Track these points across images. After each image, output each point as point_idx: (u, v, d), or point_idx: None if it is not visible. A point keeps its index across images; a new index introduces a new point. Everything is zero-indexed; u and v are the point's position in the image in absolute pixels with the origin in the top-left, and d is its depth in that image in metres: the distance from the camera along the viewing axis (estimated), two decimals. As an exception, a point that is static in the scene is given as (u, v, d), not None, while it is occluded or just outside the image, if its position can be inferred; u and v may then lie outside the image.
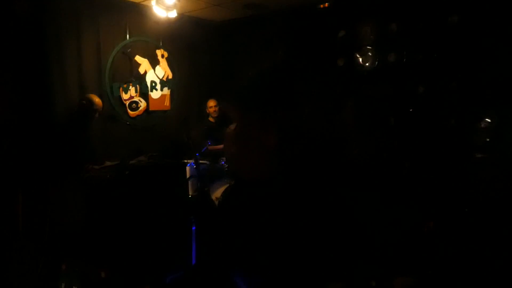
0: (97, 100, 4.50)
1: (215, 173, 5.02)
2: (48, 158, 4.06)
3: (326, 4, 5.50)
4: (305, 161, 3.95)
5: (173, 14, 4.90)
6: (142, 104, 5.50)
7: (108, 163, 4.36)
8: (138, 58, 5.43)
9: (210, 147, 5.17)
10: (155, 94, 5.66)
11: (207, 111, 5.76)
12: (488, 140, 4.35)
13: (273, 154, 3.09)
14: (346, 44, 5.37)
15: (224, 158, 5.08)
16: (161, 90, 5.74)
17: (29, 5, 4.24)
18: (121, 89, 5.23)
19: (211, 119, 5.75)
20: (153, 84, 5.62)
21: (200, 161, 4.42)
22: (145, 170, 4.35)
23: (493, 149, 4.28)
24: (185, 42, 6.02)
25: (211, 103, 5.70)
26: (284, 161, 3.19)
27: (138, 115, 5.48)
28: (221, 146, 5.27)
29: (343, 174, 4.35)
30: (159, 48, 5.70)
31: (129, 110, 5.36)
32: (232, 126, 3.39)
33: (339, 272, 3.62)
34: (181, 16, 5.32)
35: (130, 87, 5.33)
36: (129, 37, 5.33)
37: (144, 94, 5.53)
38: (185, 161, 4.77)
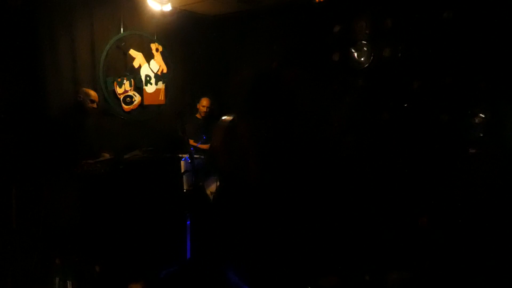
0: (93, 93, 4.48)
1: (210, 167, 5.02)
2: (42, 153, 4.04)
3: (322, -1, 5.49)
4: (299, 156, 3.95)
5: (167, 7, 4.87)
6: (137, 98, 5.48)
7: (106, 155, 4.36)
8: (132, 52, 5.40)
9: (201, 145, 5.22)
10: (149, 88, 5.64)
11: (197, 107, 5.73)
12: (481, 135, 4.37)
13: (265, 150, 3.10)
14: (341, 39, 5.37)
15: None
16: (156, 84, 5.72)
17: (22, -2, 4.21)
18: (115, 83, 5.21)
19: (198, 115, 5.73)
20: (148, 78, 5.60)
21: (195, 156, 4.41)
22: (140, 165, 4.35)
23: (486, 144, 4.30)
24: (179, 36, 5.99)
25: (204, 102, 5.66)
26: (277, 157, 3.20)
27: (132, 109, 5.45)
28: (206, 146, 5.32)
29: (337, 169, 4.37)
30: (153, 42, 5.67)
31: (123, 104, 5.33)
32: (228, 118, 3.37)
33: (332, 267, 3.64)
34: (175, 10, 5.29)
35: (125, 81, 5.31)
36: (123, 30, 5.30)
37: (139, 88, 5.51)
38: (180, 155, 4.76)
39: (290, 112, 3.20)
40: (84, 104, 4.42)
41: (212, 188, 4.76)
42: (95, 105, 4.49)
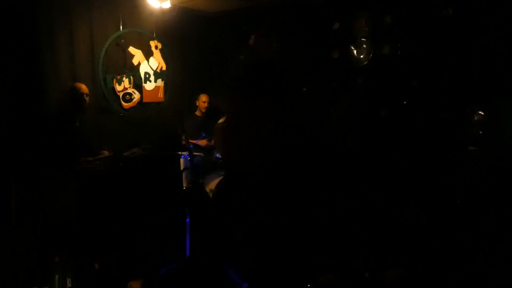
0: (83, 87, 4.44)
1: (209, 165, 5.02)
2: (41, 150, 4.03)
3: (321, -4, 5.48)
4: (298, 153, 3.96)
5: (167, 5, 4.86)
6: (136, 95, 5.47)
7: (106, 153, 4.35)
8: (131, 49, 5.39)
9: (201, 142, 5.21)
10: (149, 86, 5.63)
11: (197, 104, 5.73)
12: (481, 132, 4.37)
13: (266, 143, 3.11)
14: (341, 37, 5.36)
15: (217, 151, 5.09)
16: (155, 81, 5.71)
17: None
18: (114, 80, 5.20)
19: (198, 113, 5.73)
20: (147, 76, 5.59)
21: (194, 153, 4.41)
22: (139, 162, 4.34)
23: (485, 142, 4.30)
24: (179, 33, 5.97)
25: (204, 97, 5.68)
26: (277, 152, 3.20)
27: (132, 107, 5.44)
28: (205, 141, 5.32)
29: (337, 166, 4.36)
30: (153, 39, 5.66)
31: (122, 102, 5.33)
32: (221, 120, 3.40)
33: (332, 264, 3.65)
34: (175, 7, 5.28)
35: (124, 78, 5.30)
36: (122, 28, 5.28)
37: (138, 85, 5.50)
38: (179, 153, 4.76)
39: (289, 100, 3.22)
40: (77, 100, 4.39)
41: (211, 185, 4.76)
42: (86, 98, 4.45)
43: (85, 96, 4.41)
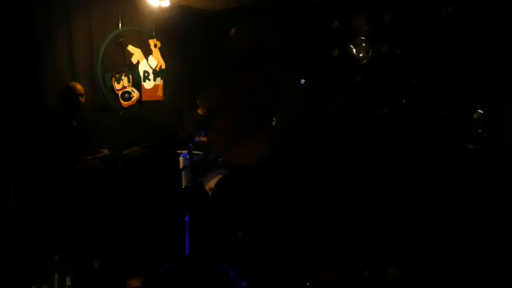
0: (79, 86, 4.44)
1: (208, 163, 5.01)
2: (40, 149, 4.03)
3: (321, -6, 5.47)
4: (297, 152, 3.96)
5: (166, 3, 4.86)
6: (135, 94, 5.46)
7: (105, 151, 4.35)
8: (130, 48, 5.38)
9: (202, 138, 5.18)
10: (148, 84, 5.62)
11: (198, 103, 5.72)
12: (480, 131, 4.37)
13: (265, 139, 3.11)
14: (340, 35, 5.36)
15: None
16: (154, 80, 5.70)
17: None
18: (113, 79, 5.19)
19: (200, 111, 5.72)
20: (146, 74, 5.58)
21: (194, 152, 4.41)
22: (138, 161, 4.34)
23: (485, 140, 4.31)
24: (178, 32, 5.97)
25: None
26: (275, 149, 3.21)
27: (131, 105, 5.44)
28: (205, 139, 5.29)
29: (336, 164, 4.36)
30: (152, 38, 5.65)
31: (121, 101, 5.32)
32: (219, 119, 3.40)
33: (332, 262, 3.65)
34: (174, 6, 5.28)
35: (123, 77, 5.29)
36: (121, 26, 5.27)
37: (137, 84, 5.49)
38: (179, 151, 4.76)
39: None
40: (72, 99, 4.38)
41: (211, 183, 4.76)
42: (83, 99, 4.45)
43: (80, 96, 4.40)
